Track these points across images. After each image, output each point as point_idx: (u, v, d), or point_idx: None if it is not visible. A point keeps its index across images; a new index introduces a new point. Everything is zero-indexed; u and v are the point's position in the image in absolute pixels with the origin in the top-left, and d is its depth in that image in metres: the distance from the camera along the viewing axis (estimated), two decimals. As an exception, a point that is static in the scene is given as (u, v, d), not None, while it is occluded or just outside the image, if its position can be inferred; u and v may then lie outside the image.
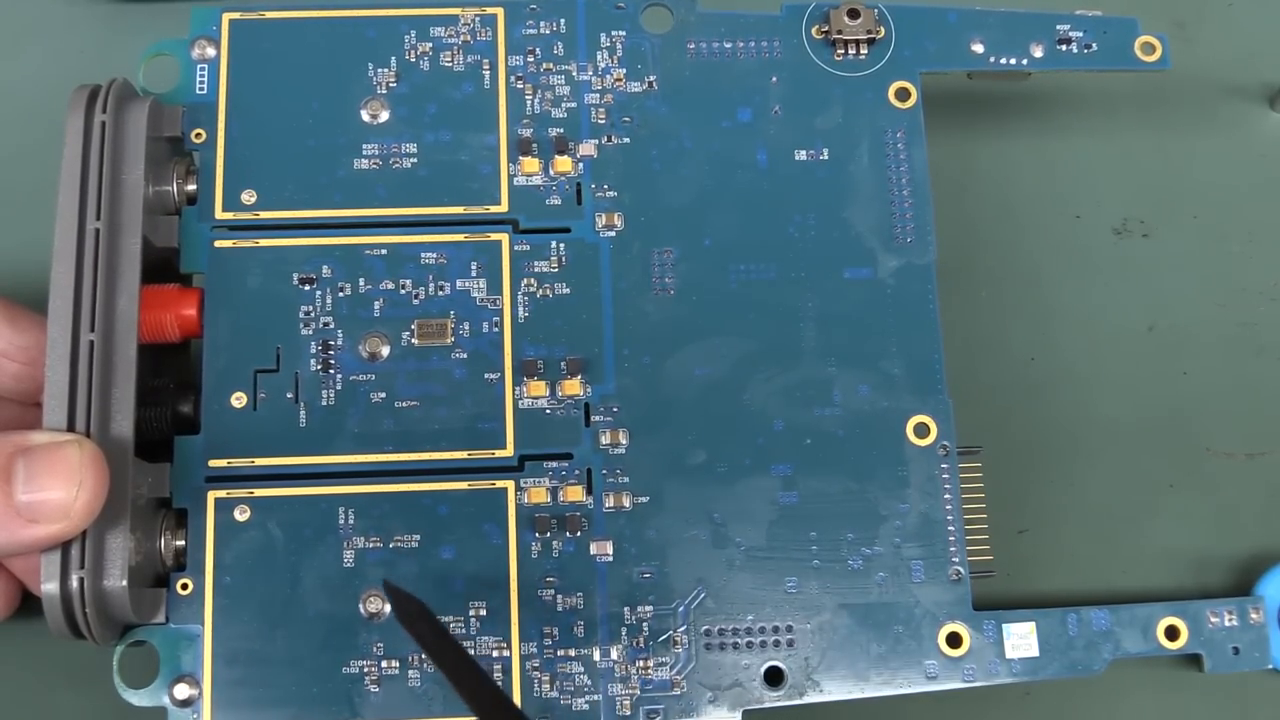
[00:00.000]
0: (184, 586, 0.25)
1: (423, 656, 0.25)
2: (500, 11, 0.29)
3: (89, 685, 0.27)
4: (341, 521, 0.26)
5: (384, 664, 0.25)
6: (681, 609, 0.26)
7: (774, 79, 0.29)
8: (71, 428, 0.24)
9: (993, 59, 0.29)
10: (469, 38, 0.28)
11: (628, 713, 0.25)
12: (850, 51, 0.29)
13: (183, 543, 0.25)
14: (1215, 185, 0.32)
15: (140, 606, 0.25)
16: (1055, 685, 0.27)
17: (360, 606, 0.25)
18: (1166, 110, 0.32)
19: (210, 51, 0.28)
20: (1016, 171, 0.32)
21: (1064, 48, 0.29)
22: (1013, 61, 0.29)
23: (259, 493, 0.26)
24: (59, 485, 0.23)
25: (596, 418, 0.27)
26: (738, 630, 0.26)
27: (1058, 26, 0.29)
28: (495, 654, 0.25)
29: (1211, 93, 0.32)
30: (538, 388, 0.26)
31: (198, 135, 0.27)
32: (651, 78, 0.28)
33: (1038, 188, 0.32)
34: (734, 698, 0.25)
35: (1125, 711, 0.28)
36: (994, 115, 0.32)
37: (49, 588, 0.24)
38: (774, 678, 0.26)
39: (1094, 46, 0.29)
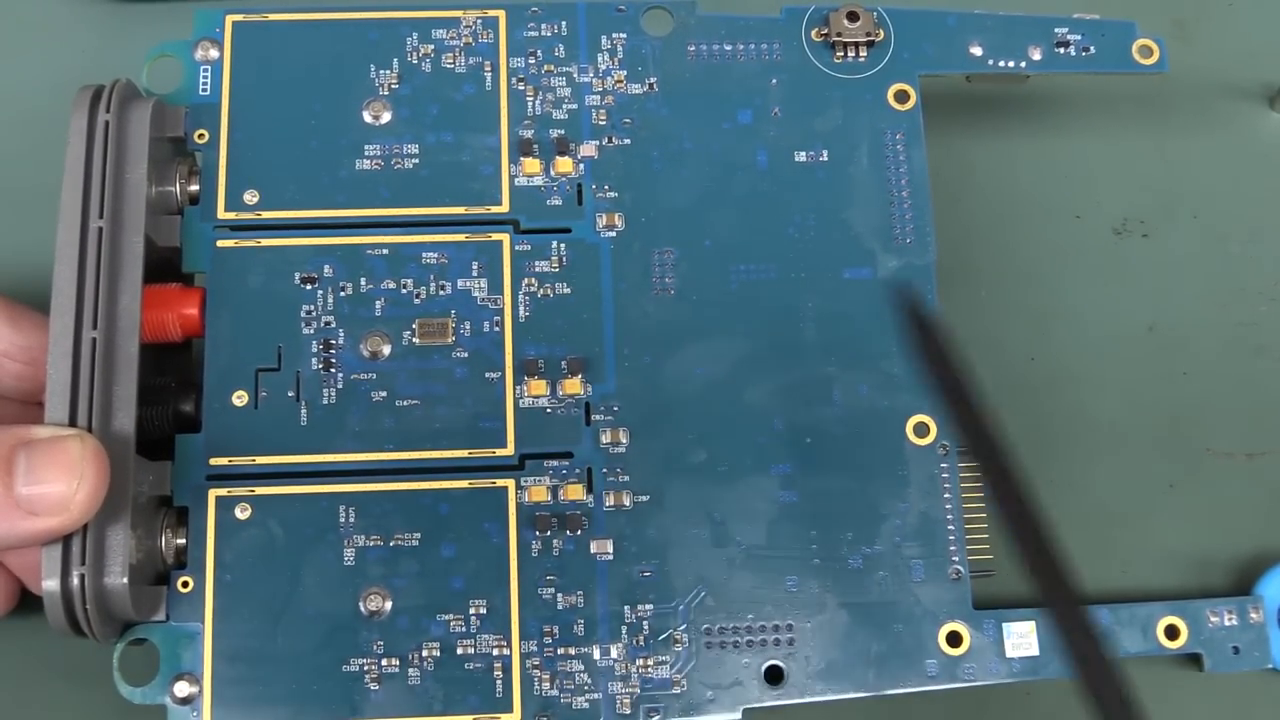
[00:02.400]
0: (184, 584, 0.25)
1: (423, 654, 0.25)
2: (502, 14, 0.29)
3: (89, 683, 0.27)
4: (342, 520, 0.26)
5: (384, 662, 0.25)
6: (682, 608, 0.26)
7: (774, 81, 0.29)
8: (73, 423, 0.24)
9: (991, 62, 0.29)
10: (471, 40, 0.29)
11: (628, 711, 0.25)
12: (850, 54, 0.29)
13: (183, 541, 0.25)
14: (1215, 185, 0.32)
15: (141, 604, 0.25)
16: (1055, 684, 0.27)
17: (360, 605, 0.25)
18: (1166, 110, 0.32)
19: (213, 53, 0.28)
20: (1016, 172, 0.32)
21: (1062, 51, 0.29)
22: (1011, 64, 0.29)
23: (260, 491, 0.26)
24: (60, 478, 0.23)
25: (597, 417, 0.27)
26: (738, 629, 0.26)
27: (1055, 30, 0.29)
28: (495, 652, 0.25)
29: (1211, 93, 0.32)
30: (538, 387, 0.27)
31: (200, 136, 0.28)
32: (652, 80, 0.29)
33: (1037, 188, 0.32)
34: (734, 696, 0.25)
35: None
36: (994, 116, 0.32)
37: (49, 584, 0.24)
38: (774, 676, 0.26)
39: (1091, 50, 0.29)
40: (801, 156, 0.28)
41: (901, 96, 0.29)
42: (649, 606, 0.26)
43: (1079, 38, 0.29)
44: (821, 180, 0.28)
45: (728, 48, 0.29)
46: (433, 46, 0.28)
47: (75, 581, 0.23)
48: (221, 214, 0.27)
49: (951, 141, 0.31)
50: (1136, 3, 0.29)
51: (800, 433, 0.27)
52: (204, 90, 0.28)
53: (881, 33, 0.29)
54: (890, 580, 0.26)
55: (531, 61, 0.29)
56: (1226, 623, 0.27)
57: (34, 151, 0.29)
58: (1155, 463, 0.30)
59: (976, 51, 0.29)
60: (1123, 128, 0.32)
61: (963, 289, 0.30)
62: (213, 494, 0.26)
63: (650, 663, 0.25)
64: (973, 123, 0.32)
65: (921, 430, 0.27)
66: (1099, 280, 0.31)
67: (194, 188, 0.27)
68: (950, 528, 0.26)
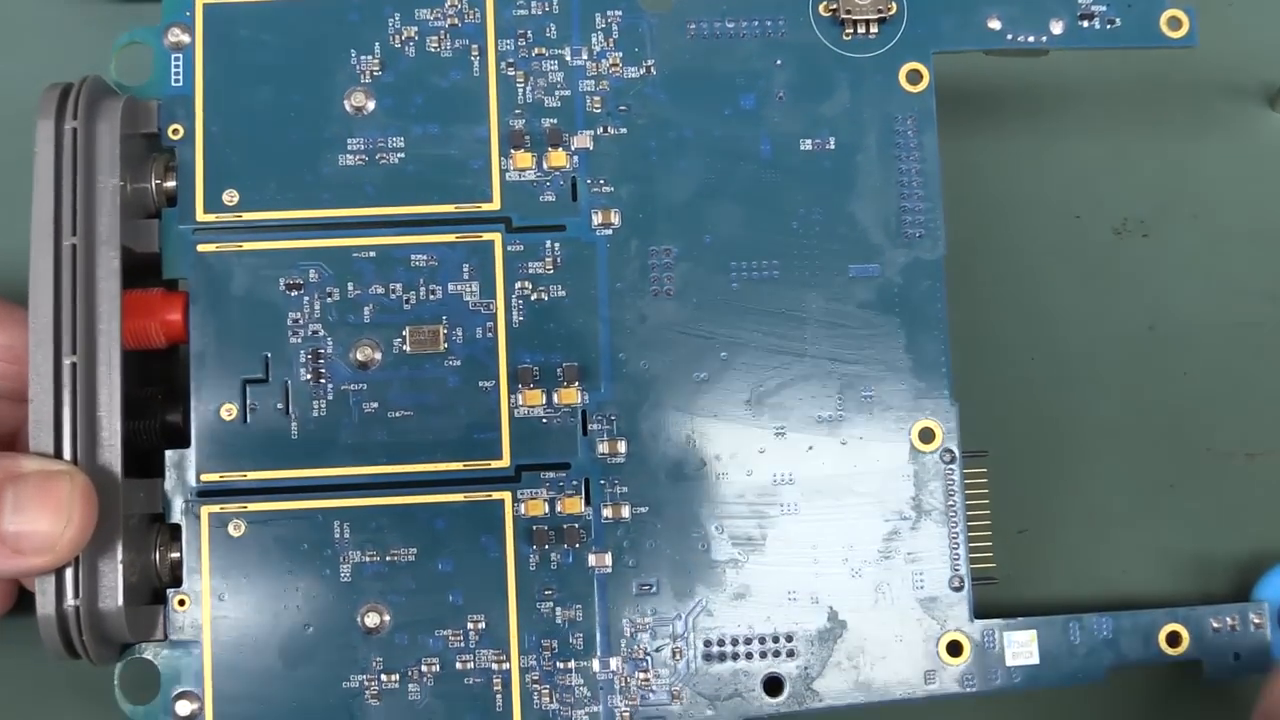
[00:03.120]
0: (181, 602, 0.25)
1: (422, 670, 0.25)
2: (489, -10, 0.27)
3: (93, 698, 0.27)
4: (337, 535, 0.25)
5: (384, 678, 0.25)
6: (681, 619, 0.26)
7: (778, 62, 0.27)
8: (58, 453, 0.23)
9: (1010, 36, 0.28)
10: (456, 20, 0.27)
11: (627, 724, 0.25)
12: (860, 30, 0.27)
13: (178, 555, 0.25)
14: (1215, 185, 0.31)
15: (137, 626, 0.24)
16: (1054, 691, 0.27)
17: (359, 621, 0.25)
18: (1166, 110, 0.31)
19: (185, 39, 0.26)
20: (1016, 171, 0.31)
21: (1085, 24, 0.28)
22: (1031, 39, 0.28)
23: (253, 507, 0.25)
24: (47, 518, 0.23)
25: (594, 426, 0.26)
26: (737, 639, 0.26)
27: (1079, 1, 0.28)
28: (494, 667, 0.25)
29: (1211, 93, 0.31)
30: (533, 396, 0.26)
31: (175, 131, 0.26)
32: (649, 62, 0.27)
33: (1037, 187, 0.31)
34: (733, 708, 0.26)
35: (1125, 716, 0.28)
36: (993, 115, 0.31)
37: (44, 613, 0.23)
38: (773, 687, 0.26)
39: (1117, 22, 0.28)
40: (807, 145, 0.27)
41: (914, 77, 0.27)
42: (648, 619, 0.26)
43: (1104, 9, 0.28)
44: (828, 170, 0.27)
45: (730, 25, 0.27)
46: (416, 29, 0.27)
47: (70, 609, 0.23)
48: (201, 216, 0.26)
49: (951, 141, 0.30)
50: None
51: (802, 438, 0.26)
52: (176, 81, 0.26)
53: (894, 6, 0.27)
54: (891, 589, 0.26)
55: (521, 44, 0.27)
56: (1229, 629, 0.27)
57: (14, 152, 0.27)
58: (1155, 463, 0.30)
59: (995, 25, 0.28)
60: (1123, 128, 0.31)
61: (963, 288, 0.29)
62: (205, 510, 0.25)
63: (650, 675, 0.26)
64: (972, 122, 0.31)
65: (926, 436, 0.26)
66: (1099, 280, 0.30)
67: (171, 184, 0.26)
68: (954, 535, 0.26)
